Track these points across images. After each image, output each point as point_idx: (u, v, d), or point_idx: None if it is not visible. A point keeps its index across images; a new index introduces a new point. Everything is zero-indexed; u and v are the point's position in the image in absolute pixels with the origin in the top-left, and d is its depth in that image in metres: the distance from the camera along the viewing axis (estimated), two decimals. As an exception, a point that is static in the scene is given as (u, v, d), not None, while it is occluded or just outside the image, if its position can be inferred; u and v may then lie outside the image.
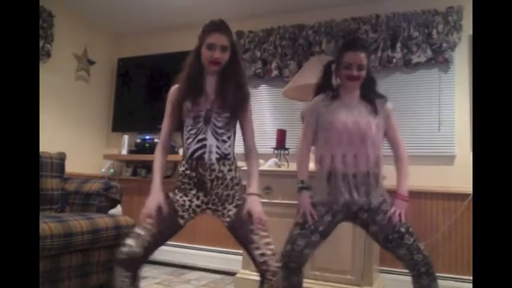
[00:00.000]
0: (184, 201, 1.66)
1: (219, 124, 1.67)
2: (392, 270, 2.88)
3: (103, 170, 3.90)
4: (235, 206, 1.66)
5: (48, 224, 2.13)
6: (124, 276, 1.49)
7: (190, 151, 1.67)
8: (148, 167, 3.88)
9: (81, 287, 2.38)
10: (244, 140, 1.78)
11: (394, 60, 3.04)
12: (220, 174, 1.65)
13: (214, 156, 1.65)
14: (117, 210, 3.16)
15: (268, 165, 2.91)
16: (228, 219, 1.66)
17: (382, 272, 2.88)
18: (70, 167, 3.26)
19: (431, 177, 2.91)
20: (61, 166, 2.91)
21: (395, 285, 2.82)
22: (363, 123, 1.81)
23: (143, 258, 1.53)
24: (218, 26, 1.65)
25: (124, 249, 1.51)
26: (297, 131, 3.27)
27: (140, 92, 3.97)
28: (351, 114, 1.83)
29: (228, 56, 1.67)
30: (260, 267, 1.54)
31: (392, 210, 1.78)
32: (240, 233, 1.63)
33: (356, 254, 2.48)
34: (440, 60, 2.96)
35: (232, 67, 1.69)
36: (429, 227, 2.83)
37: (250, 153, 1.77)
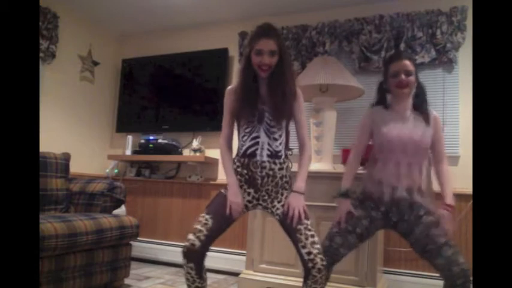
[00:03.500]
0: None
1: (272, 123, 1.76)
2: (396, 271, 2.87)
3: (107, 170, 3.91)
4: (283, 205, 1.75)
5: (52, 224, 2.14)
6: (189, 267, 1.64)
7: (244, 148, 1.77)
8: (152, 167, 3.89)
9: (85, 286, 2.40)
10: (298, 137, 1.86)
11: (398, 60, 3.03)
12: (270, 172, 1.75)
13: (265, 153, 1.75)
14: (121, 210, 3.18)
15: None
16: (277, 217, 1.76)
17: (386, 273, 2.87)
18: (74, 168, 3.29)
19: (436, 178, 2.89)
20: (66, 166, 2.93)
21: (399, 286, 2.82)
22: (417, 135, 1.88)
23: (203, 249, 1.65)
24: (265, 32, 1.72)
25: (186, 243, 1.63)
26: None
27: (144, 92, 3.98)
28: (406, 126, 1.91)
29: (276, 59, 1.74)
30: (307, 264, 1.63)
31: (437, 220, 1.81)
32: (288, 230, 1.72)
33: (360, 255, 2.48)
34: (444, 60, 2.95)
35: (281, 69, 1.76)
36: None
37: (303, 149, 1.85)
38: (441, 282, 1.81)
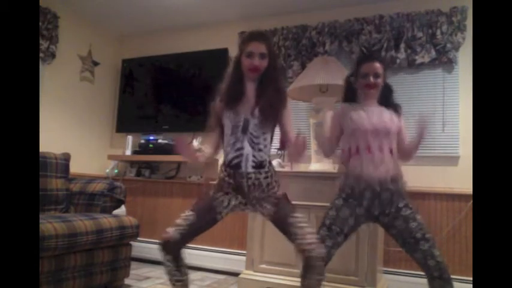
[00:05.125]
0: (223, 199, 1.79)
1: (256, 134, 1.76)
2: (396, 271, 2.87)
3: (107, 170, 3.91)
4: (272, 205, 1.78)
5: (52, 224, 2.14)
6: (166, 260, 1.69)
7: (228, 158, 1.78)
8: (152, 167, 3.89)
9: (85, 286, 2.40)
10: (285, 133, 1.87)
11: (398, 60, 3.03)
12: (256, 182, 1.76)
13: (250, 165, 1.75)
14: (121, 210, 3.17)
15: (271, 165, 2.91)
16: (268, 216, 1.80)
17: (386, 273, 2.87)
18: (74, 168, 3.29)
19: (435, 178, 2.90)
20: (66, 166, 2.93)
21: (399, 286, 2.82)
22: (385, 119, 1.97)
23: (180, 243, 1.69)
24: (256, 36, 1.77)
25: (163, 235, 1.68)
26: (301, 132, 3.27)
27: (144, 92, 3.98)
28: (374, 114, 2.00)
29: (266, 63, 1.77)
30: (304, 254, 1.66)
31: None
32: (281, 226, 1.75)
33: (360, 255, 2.48)
34: (444, 60, 2.95)
35: (271, 73, 1.79)
36: (433, 227, 2.82)
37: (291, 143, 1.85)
38: (441, 283, 1.84)
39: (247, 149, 1.75)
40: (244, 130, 1.75)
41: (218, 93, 1.86)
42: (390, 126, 1.96)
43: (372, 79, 1.98)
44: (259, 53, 1.74)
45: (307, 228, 1.71)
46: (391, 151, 1.95)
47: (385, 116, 1.99)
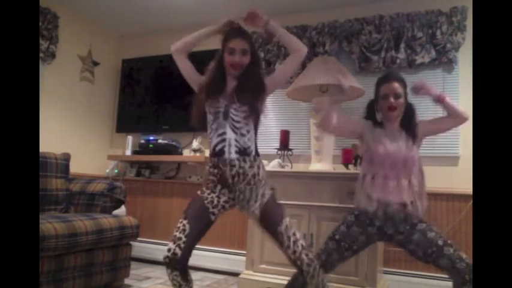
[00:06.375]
0: (212, 198, 1.75)
1: (237, 118, 1.74)
2: (396, 271, 2.87)
3: (107, 170, 3.91)
4: (259, 205, 1.73)
5: (52, 224, 2.14)
6: (174, 275, 1.67)
7: (212, 145, 1.76)
8: (152, 167, 3.89)
9: (85, 286, 2.40)
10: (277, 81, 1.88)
11: (398, 60, 3.03)
12: (241, 171, 1.72)
13: (233, 150, 1.72)
14: (121, 210, 3.17)
15: (271, 166, 2.91)
16: (255, 218, 1.75)
17: (386, 273, 2.87)
18: (74, 168, 3.29)
19: (436, 178, 2.90)
20: (66, 166, 2.93)
21: (399, 286, 2.82)
22: (404, 149, 1.90)
23: (184, 256, 1.66)
24: (238, 32, 1.81)
25: (166, 253, 1.65)
26: (301, 132, 3.28)
27: (144, 92, 3.98)
28: (394, 143, 1.93)
29: (248, 59, 1.78)
30: (295, 262, 1.68)
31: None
32: (268, 232, 1.74)
33: (360, 255, 2.47)
34: (444, 60, 2.95)
35: (252, 68, 1.79)
36: (433, 227, 2.82)
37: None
38: (441, 283, 1.82)
39: (230, 134, 1.73)
40: (225, 116, 1.74)
41: (200, 86, 1.86)
42: (407, 158, 1.89)
43: (392, 100, 1.92)
44: (240, 50, 1.76)
45: (300, 240, 1.69)
46: (409, 181, 1.89)
47: (404, 147, 1.91)
